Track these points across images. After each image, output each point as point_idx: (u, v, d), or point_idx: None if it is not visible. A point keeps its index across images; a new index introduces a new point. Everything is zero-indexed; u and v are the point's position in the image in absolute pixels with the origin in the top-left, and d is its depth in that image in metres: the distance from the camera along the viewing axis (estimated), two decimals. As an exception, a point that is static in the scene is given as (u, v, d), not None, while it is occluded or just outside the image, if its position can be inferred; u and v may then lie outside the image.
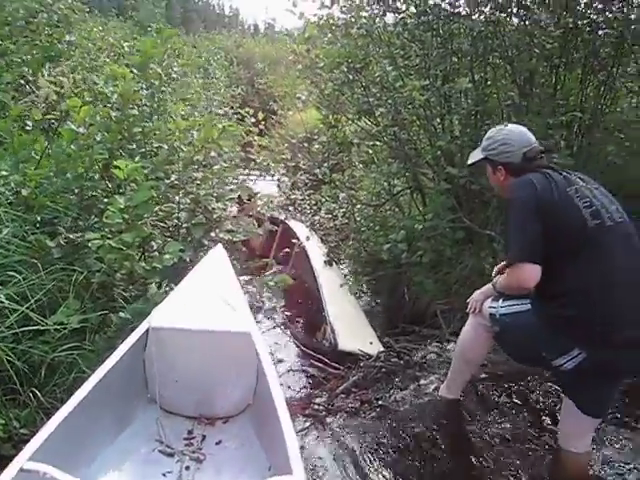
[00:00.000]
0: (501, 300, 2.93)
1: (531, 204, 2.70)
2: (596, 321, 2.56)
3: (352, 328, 5.14)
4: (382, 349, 4.70)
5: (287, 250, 6.99)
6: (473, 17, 4.83)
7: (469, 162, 3.29)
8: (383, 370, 4.19)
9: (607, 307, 2.58)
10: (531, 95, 5.06)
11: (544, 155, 2.97)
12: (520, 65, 4.96)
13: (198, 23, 67.79)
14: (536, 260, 2.61)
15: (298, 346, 5.26)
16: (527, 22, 4.73)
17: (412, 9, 5.33)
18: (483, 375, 3.82)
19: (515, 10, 4.85)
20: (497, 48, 5.06)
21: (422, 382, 3.87)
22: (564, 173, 2.83)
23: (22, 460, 1.95)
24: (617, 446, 3.19)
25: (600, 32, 4.77)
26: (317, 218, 8.31)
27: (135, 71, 4.06)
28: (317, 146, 7.41)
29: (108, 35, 12.17)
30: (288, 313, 6.31)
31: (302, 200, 8.69)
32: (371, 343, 4.84)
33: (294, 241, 6.79)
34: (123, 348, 2.75)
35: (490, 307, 2.98)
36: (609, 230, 2.65)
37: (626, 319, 2.57)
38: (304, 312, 6.71)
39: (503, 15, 4.82)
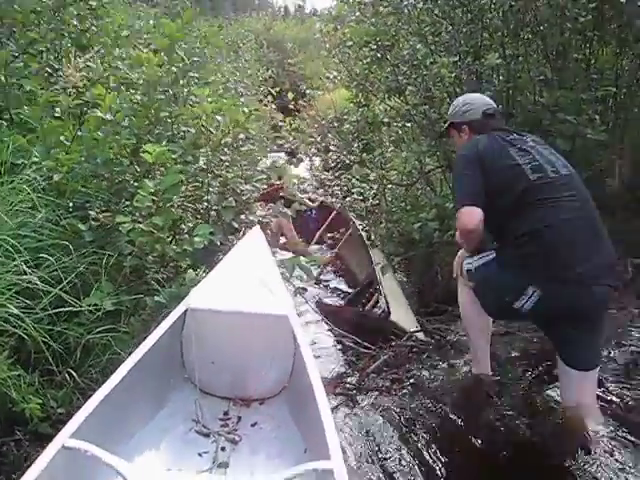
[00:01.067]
0: (475, 256, 3.10)
1: (470, 158, 3.04)
2: (547, 259, 2.76)
3: (400, 305, 5.14)
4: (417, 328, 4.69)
5: (333, 234, 7.18)
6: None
7: (441, 130, 3.79)
8: (414, 349, 4.20)
9: (556, 246, 2.77)
10: (564, 70, 4.96)
11: (502, 116, 3.48)
12: (552, 39, 4.87)
13: (228, 6, 67.93)
14: (475, 203, 2.87)
15: (330, 325, 5.27)
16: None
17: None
18: (514, 353, 3.79)
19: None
20: (528, 23, 4.97)
21: (454, 361, 3.86)
22: (514, 134, 3.14)
23: (64, 438, 1.98)
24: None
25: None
26: (348, 200, 8.29)
27: (161, 55, 4.06)
28: (347, 126, 7.37)
29: (135, 21, 12.24)
30: (323, 292, 6.33)
31: (332, 181, 8.67)
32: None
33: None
34: (161, 329, 2.77)
35: (466, 264, 3.16)
36: (553, 181, 2.89)
37: (575, 256, 2.77)
38: (343, 291, 6.83)
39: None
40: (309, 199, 8.64)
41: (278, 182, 5.37)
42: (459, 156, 3.18)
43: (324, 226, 8.48)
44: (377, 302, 5.55)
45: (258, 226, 3.84)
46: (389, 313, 4.79)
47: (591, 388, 2.96)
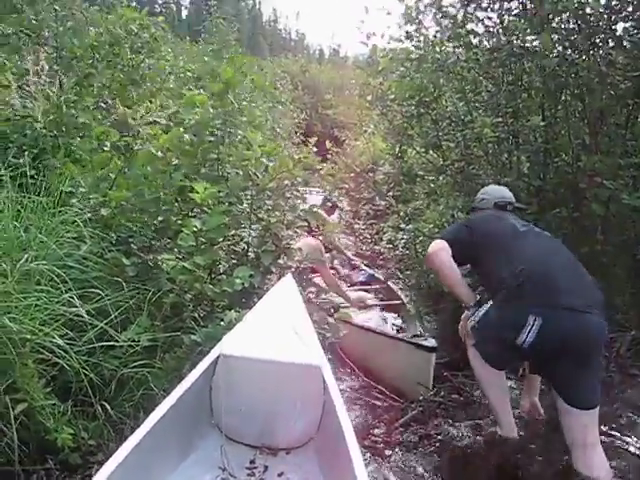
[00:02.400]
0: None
1: (463, 223, 3.81)
2: (541, 288, 3.03)
3: None
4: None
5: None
6: (546, 54, 4.79)
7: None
8: (442, 405, 4.19)
9: (544, 277, 3.07)
10: (602, 134, 5.01)
11: (514, 209, 3.81)
12: (592, 104, 4.93)
13: (265, 46, 69.23)
14: (450, 242, 3.44)
15: (359, 375, 5.26)
16: (601, 63, 4.68)
17: (485, 44, 5.37)
18: (540, 417, 3.79)
19: (590, 50, 4.81)
20: (569, 86, 5.05)
21: (481, 420, 3.84)
22: (511, 219, 3.59)
23: None
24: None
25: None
26: (378, 247, 8.35)
27: (213, 98, 4.18)
28: (381, 176, 7.45)
29: (182, 59, 12.54)
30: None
31: (364, 229, 8.75)
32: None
33: None
34: (193, 375, 2.77)
35: (470, 322, 3.40)
36: (535, 234, 3.45)
37: (564, 287, 3.04)
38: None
39: (577, 56, 4.79)
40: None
41: (317, 229, 5.38)
42: (459, 223, 3.90)
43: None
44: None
45: (290, 274, 3.87)
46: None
47: (594, 427, 3.09)
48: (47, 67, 4.39)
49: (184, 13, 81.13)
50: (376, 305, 7.44)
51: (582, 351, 3.03)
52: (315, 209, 4.33)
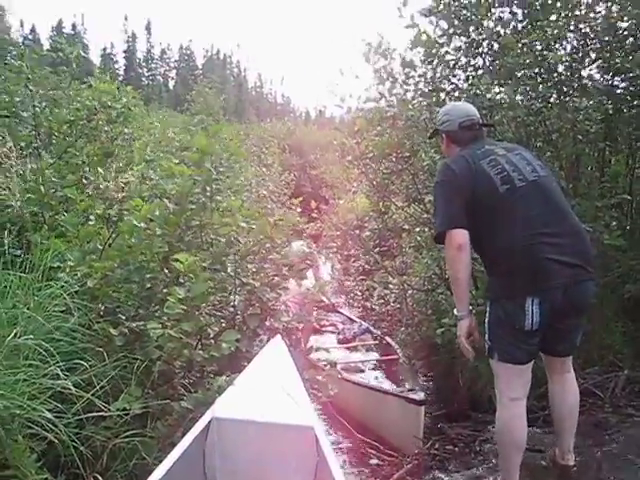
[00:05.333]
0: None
1: (449, 185, 3.26)
2: (528, 271, 2.98)
3: None
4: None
5: None
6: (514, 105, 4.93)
7: (429, 135, 4.23)
8: (437, 457, 4.17)
9: (533, 256, 2.98)
10: (578, 178, 5.12)
11: (481, 126, 3.59)
12: (565, 150, 5.06)
13: (251, 111, 70.35)
14: (459, 225, 3.09)
15: (352, 431, 5.25)
16: (568, 109, 4.82)
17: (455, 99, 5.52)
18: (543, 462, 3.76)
19: (555, 98, 4.96)
20: (540, 134, 5.18)
21: (478, 471, 3.82)
22: (487, 146, 3.35)
23: None
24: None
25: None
26: (368, 304, 8.39)
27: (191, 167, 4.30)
28: (368, 233, 7.55)
29: (165, 128, 12.80)
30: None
31: (354, 286, 8.81)
32: None
33: None
34: (187, 440, 2.76)
35: (484, 344, 3.27)
36: (521, 190, 3.10)
37: (551, 268, 2.97)
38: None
39: (542, 105, 4.94)
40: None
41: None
42: (437, 183, 3.39)
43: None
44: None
45: (279, 336, 3.91)
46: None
47: (570, 359, 3.34)
48: (11, 147, 4.45)
49: (171, 84, 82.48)
50: (372, 360, 7.49)
51: (579, 313, 3.18)
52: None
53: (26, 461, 2.84)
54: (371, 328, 8.49)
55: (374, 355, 7.89)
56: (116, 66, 74.08)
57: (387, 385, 6.45)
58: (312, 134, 30.28)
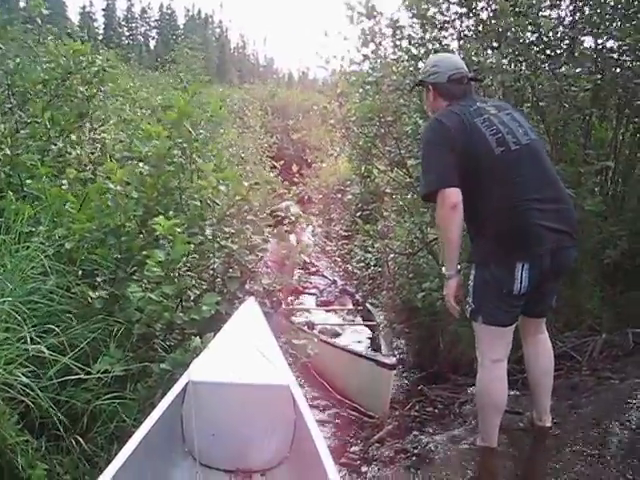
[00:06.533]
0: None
1: (440, 140, 3.14)
2: (517, 235, 2.98)
3: None
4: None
5: None
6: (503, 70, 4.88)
7: (411, 86, 4.16)
8: (417, 419, 4.20)
9: (524, 221, 2.98)
10: (563, 144, 5.11)
11: (470, 80, 3.42)
12: (551, 115, 5.03)
13: (233, 72, 69.64)
14: (453, 184, 3.01)
15: (332, 394, 5.29)
16: (557, 76, 4.78)
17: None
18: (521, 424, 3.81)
19: (545, 65, 4.92)
20: (528, 99, 5.15)
21: (457, 432, 3.85)
22: (478, 103, 3.26)
23: None
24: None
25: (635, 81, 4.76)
26: (349, 267, 8.40)
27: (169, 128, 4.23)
28: (350, 197, 7.52)
29: (143, 88, 12.61)
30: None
31: (335, 250, 8.82)
32: None
33: None
34: (163, 404, 2.75)
35: (466, 307, 3.27)
36: (515, 153, 3.06)
37: (540, 233, 2.98)
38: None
39: (530, 71, 4.89)
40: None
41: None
42: (426, 140, 3.28)
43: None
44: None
45: (253, 297, 3.90)
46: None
47: (543, 321, 3.42)
48: None
49: (152, 44, 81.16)
50: (350, 324, 7.54)
51: (559, 277, 3.26)
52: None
53: (5, 424, 2.83)
54: (350, 290, 8.55)
55: (353, 319, 7.96)
56: (95, 24, 72.63)
57: (361, 348, 6.51)
58: (295, 96, 30.00)
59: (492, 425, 3.34)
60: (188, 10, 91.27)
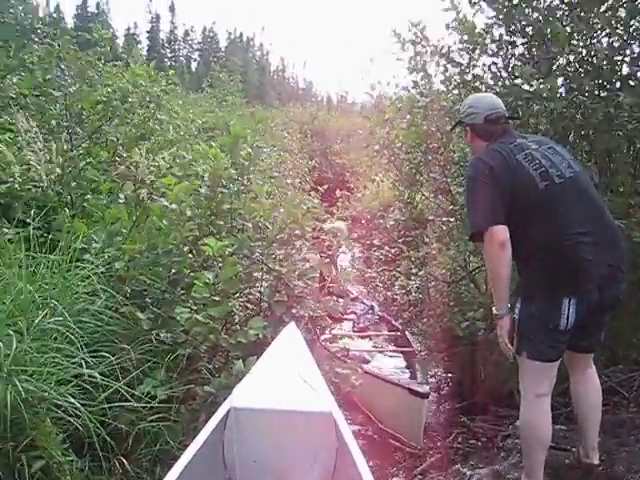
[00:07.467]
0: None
1: (486, 180, 3.11)
2: (566, 269, 2.96)
3: None
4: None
5: None
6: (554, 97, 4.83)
7: (449, 128, 4.14)
8: (460, 452, 4.14)
9: (571, 256, 2.96)
10: (611, 174, 5.04)
11: (508, 121, 3.48)
12: (599, 144, 4.97)
13: (273, 95, 70.29)
14: (500, 222, 3.00)
15: (375, 422, 5.25)
16: (608, 104, 4.72)
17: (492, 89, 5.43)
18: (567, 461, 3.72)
19: (596, 91, 4.86)
20: (575, 128, 5.09)
21: (501, 466, 3.78)
22: (518, 140, 3.26)
23: None
24: None
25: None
26: (390, 294, 8.36)
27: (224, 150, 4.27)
28: (392, 222, 7.50)
29: (189, 112, 12.77)
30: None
31: (375, 277, 8.78)
32: None
33: None
34: (207, 429, 2.75)
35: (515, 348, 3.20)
36: (559, 186, 3.05)
37: (590, 268, 2.96)
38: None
39: (585, 98, 4.84)
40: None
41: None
42: (471, 180, 3.28)
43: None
44: None
45: (294, 323, 3.88)
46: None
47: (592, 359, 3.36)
48: (34, 125, 4.43)
49: (194, 66, 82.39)
50: (386, 350, 7.50)
51: (608, 311, 3.21)
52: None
53: (52, 443, 2.85)
54: (388, 316, 8.50)
55: (388, 346, 7.91)
56: (139, 47, 74.07)
57: (398, 377, 6.46)
58: (334, 119, 30.13)
59: (537, 461, 3.26)
60: (230, 33, 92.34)
